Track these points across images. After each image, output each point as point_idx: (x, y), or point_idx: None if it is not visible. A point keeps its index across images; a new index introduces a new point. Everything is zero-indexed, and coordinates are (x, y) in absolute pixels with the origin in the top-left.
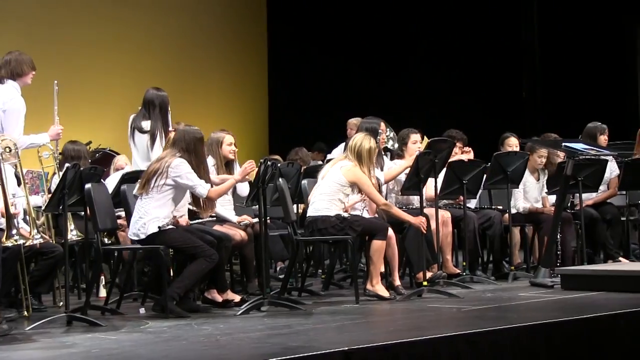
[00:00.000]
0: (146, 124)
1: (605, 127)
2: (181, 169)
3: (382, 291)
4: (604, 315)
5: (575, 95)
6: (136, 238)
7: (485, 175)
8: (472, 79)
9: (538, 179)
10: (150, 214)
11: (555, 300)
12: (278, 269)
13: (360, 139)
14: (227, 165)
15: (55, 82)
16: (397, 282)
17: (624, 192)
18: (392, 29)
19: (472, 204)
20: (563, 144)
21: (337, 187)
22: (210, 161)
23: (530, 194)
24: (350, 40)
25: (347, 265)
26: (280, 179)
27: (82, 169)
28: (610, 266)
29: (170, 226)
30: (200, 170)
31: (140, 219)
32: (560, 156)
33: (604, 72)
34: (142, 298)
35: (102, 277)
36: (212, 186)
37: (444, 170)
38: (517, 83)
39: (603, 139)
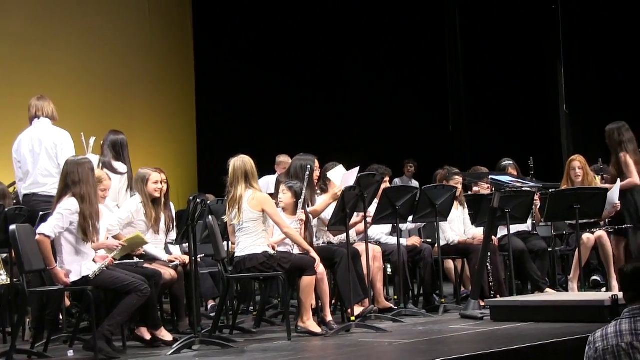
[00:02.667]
0: (119, 166)
1: (511, 163)
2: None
3: (314, 327)
4: (532, 345)
5: (501, 129)
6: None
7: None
8: (401, 111)
9: (457, 209)
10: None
11: (484, 331)
12: (209, 307)
13: (234, 163)
14: (153, 203)
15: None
16: (329, 318)
17: (550, 224)
18: (325, 66)
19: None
20: (490, 176)
21: (251, 223)
22: (137, 198)
23: (454, 224)
24: (279, 74)
25: (278, 301)
26: (210, 217)
27: (6, 209)
28: (537, 297)
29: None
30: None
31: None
32: (484, 187)
33: (527, 106)
34: (70, 340)
35: (28, 320)
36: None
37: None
38: (444, 117)
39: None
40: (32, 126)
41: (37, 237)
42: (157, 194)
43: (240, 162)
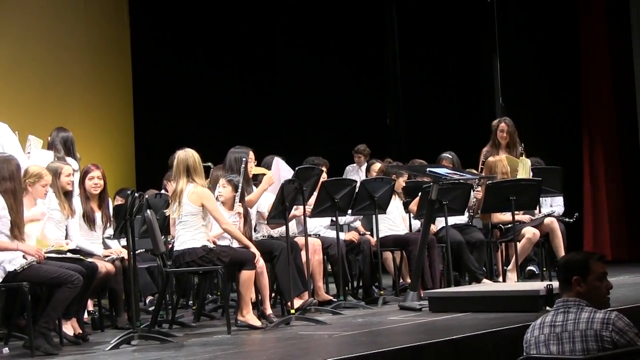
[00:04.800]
0: (71, 162)
1: (448, 156)
2: None
3: (254, 320)
4: (470, 335)
5: (437, 122)
6: None
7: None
8: (338, 105)
9: (395, 199)
10: None
11: (423, 322)
12: (147, 301)
13: (179, 155)
14: (65, 195)
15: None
16: (269, 311)
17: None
18: (263, 59)
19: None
20: (427, 169)
21: (191, 217)
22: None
23: (393, 215)
24: (218, 67)
25: (218, 295)
26: (148, 211)
27: None
28: (475, 287)
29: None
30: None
31: None
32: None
33: (464, 99)
34: (5, 337)
35: None
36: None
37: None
38: (381, 110)
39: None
40: None
41: None
42: (69, 187)
43: (184, 155)
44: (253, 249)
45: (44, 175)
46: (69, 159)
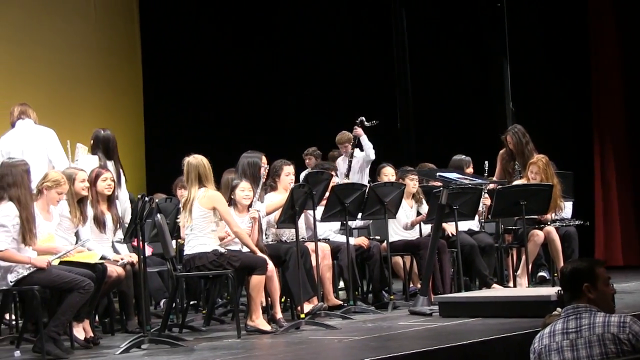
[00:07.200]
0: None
1: (469, 160)
2: None
3: (263, 325)
4: (480, 341)
5: (446, 126)
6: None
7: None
8: (348, 108)
9: (412, 206)
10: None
11: (433, 327)
12: (161, 304)
13: (189, 162)
14: (79, 202)
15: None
16: (279, 315)
17: (497, 220)
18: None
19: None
20: (437, 173)
21: (202, 220)
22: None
23: (403, 221)
24: (228, 76)
25: (228, 300)
26: (158, 215)
27: None
28: (485, 293)
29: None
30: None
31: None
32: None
33: (474, 103)
34: (17, 340)
35: None
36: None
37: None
38: (392, 114)
39: (469, 172)
40: (17, 127)
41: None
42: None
43: (194, 162)
44: (260, 254)
45: (62, 184)
46: (109, 163)
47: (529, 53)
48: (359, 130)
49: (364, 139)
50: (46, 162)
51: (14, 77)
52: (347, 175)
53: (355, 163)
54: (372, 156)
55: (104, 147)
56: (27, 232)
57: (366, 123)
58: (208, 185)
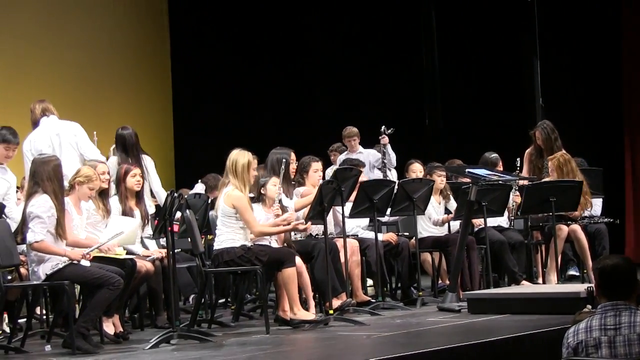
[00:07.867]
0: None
1: (498, 157)
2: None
3: (306, 315)
4: (509, 337)
5: (476, 123)
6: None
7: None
8: (377, 106)
9: (440, 202)
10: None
11: (462, 324)
12: (191, 299)
13: (235, 156)
14: (100, 195)
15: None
16: (313, 310)
17: (526, 216)
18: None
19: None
20: (466, 170)
21: (227, 218)
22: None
23: (430, 216)
24: (256, 69)
25: (256, 295)
26: (187, 211)
27: None
28: (514, 289)
29: (63, 264)
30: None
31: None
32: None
33: (503, 100)
34: (47, 335)
35: (5, 315)
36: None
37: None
38: (420, 111)
39: (498, 170)
40: (42, 125)
41: (33, 245)
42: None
43: (235, 156)
44: (283, 227)
45: (94, 180)
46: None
47: (559, 49)
48: (386, 139)
49: (389, 148)
50: (76, 157)
51: (37, 76)
52: (381, 169)
53: (366, 161)
54: (394, 163)
55: (121, 146)
56: (59, 225)
57: (388, 131)
58: (238, 182)
